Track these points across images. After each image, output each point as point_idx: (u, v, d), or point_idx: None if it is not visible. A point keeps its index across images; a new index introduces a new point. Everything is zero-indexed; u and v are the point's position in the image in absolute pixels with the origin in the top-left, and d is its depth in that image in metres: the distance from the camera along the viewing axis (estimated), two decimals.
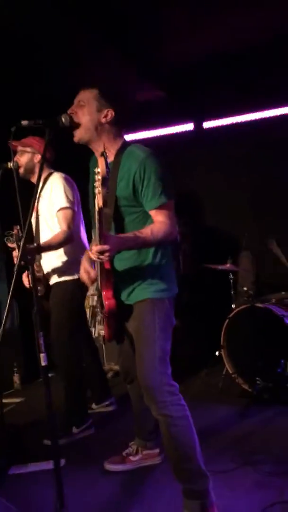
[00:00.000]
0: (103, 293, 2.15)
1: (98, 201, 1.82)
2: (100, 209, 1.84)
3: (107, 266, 2.14)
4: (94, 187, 1.82)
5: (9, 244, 2.94)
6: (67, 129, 2.11)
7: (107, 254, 1.89)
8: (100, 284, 2.18)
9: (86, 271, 2.27)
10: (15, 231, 2.87)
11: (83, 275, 2.29)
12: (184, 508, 2.07)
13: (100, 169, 1.78)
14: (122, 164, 2.12)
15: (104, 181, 1.80)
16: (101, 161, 1.78)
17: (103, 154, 1.80)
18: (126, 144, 2.19)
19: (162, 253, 2.19)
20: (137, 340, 2.18)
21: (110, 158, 2.17)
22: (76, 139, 2.17)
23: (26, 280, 2.93)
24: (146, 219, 2.14)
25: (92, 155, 2.29)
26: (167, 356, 2.13)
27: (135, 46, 3.91)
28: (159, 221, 2.08)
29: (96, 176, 1.79)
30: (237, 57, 4.22)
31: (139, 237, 2.02)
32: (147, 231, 2.05)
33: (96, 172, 1.79)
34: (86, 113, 2.13)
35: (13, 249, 2.97)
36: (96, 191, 1.81)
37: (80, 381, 3.25)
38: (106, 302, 2.13)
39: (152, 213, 2.10)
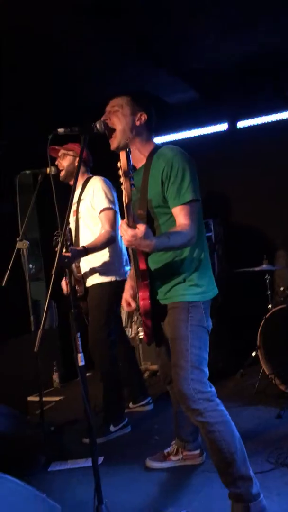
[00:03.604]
0: (139, 294, 2.17)
1: (124, 197, 1.84)
2: (127, 206, 1.86)
3: (143, 266, 2.15)
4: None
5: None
6: (102, 135, 2.16)
7: (134, 239, 1.84)
8: (136, 285, 2.20)
9: (126, 302, 2.33)
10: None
11: (124, 305, 2.34)
12: (232, 509, 2.06)
13: (121, 163, 1.80)
14: (152, 165, 2.15)
15: (126, 176, 1.80)
16: (122, 156, 1.80)
17: (124, 149, 1.83)
18: (157, 147, 2.23)
19: (199, 249, 2.16)
20: (171, 348, 2.16)
21: (142, 162, 2.21)
22: (113, 146, 2.20)
23: (65, 287, 3.00)
24: None
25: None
26: (202, 363, 2.10)
27: (167, 47, 3.93)
28: (180, 223, 2.04)
29: (119, 172, 1.81)
30: (271, 56, 4.18)
31: (166, 240, 1.97)
32: (173, 234, 2.00)
33: (118, 167, 1.81)
34: (121, 117, 2.18)
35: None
36: (122, 187, 1.83)
37: (117, 380, 3.30)
38: (141, 303, 2.14)
39: (175, 211, 2.06)
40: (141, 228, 1.84)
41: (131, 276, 2.40)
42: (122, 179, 1.82)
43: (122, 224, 1.89)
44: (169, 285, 2.16)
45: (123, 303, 2.38)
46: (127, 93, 2.23)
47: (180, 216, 2.05)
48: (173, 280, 2.15)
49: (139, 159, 2.24)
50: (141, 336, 2.32)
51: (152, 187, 2.13)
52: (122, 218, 1.92)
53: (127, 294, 2.37)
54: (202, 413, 2.03)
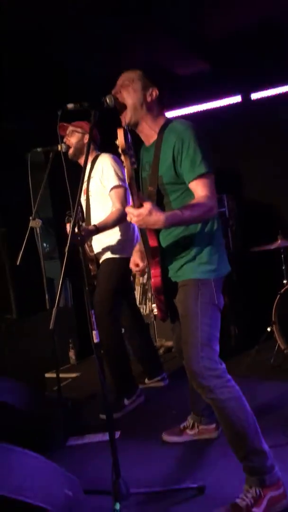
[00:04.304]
0: (151, 271, 2.15)
1: (127, 175, 1.82)
2: (130, 184, 1.83)
3: (153, 243, 2.13)
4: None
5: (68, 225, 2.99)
6: (112, 110, 2.12)
7: (140, 218, 1.84)
8: (148, 263, 2.20)
9: (134, 263, 2.36)
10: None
11: (132, 267, 2.38)
12: (246, 483, 2.08)
13: (119, 141, 1.76)
14: (164, 141, 2.11)
15: (125, 153, 1.77)
16: (120, 133, 1.77)
17: (122, 127, 1.80)
18: (168, 121, 2.18)
19: (212, 226, 2.14)
20: (182, 325, 2.17)
21: (154, 137, 2.17)
22: (125, 121, 2.14)
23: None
24: (190, 196, 2.08)
25: (142, 145, 2.28)
26: (212, 341, 2.10)
27: (177, 19, 3.83)
28: (198, 195, 2.01)
29: (118, 150, 1.78)
30: (283, 25, 4.06)
31: (179, 214, 1.95)
32: (187, 207, 1.99)
33: (117, 145, 1.78)
34: (132, 92, 2.12)
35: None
36: (123, 165, 1.80)
37: (120, 353, 3.29)
38: (153, 280, 2.14)
39: (192, 185, 2.03)
40: (146, 205, 1.83)
41: (140, 243, 2.42)
42: (122, 158, 1.79)
43: (127, 208, 1.89)
44: (180, 262, 2.15)
45: (131, 265, 2.39)
46: (139, 66, 2.16)
47: (198, 188, 2.02)
48: (183, 258, 2.14)
49: (150, 135, 2.19)
50: (155, 313, 2.32)
51: (163, 163, 2.09)
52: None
53: (135, 256, 2.38)
54: (212, 390, 2.04)
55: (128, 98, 2.12)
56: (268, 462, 2.06)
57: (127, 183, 1.86)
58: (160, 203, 2.10)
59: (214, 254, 2.15)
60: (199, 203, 1.99)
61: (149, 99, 2.14)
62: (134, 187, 1.86)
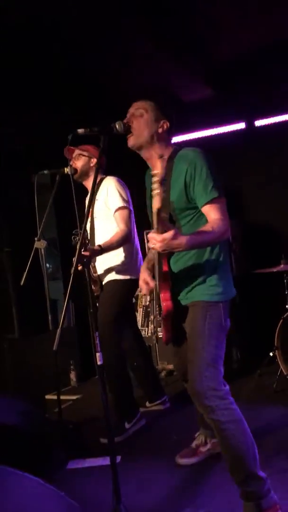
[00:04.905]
0: (161, 295, 2.18)
1: (155, 203, 1.85)
2: (158, 211, 1.87)
3: (165, 268, 2.18)
4: (151, 190, 1.85)
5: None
6: (121, 136, 2.17)
7: (164, 243, 1.88)
8: (158, 286, 2.22)
9: (145, 282, 2.34)
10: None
11: (142, 285, 2.35)
12: (243, 509, 2.07)
13: (158, 170, 1.81)
14: (174, 168, 2.17)
15: (162, 183, 1.82)
16: (160, 163, 1.83)
17: (161, 156, 1.87)
18: (177, 149, 2.24)
19: (219, 251, 2.20)
20: (188, 344, 2.20)
21: (163, 164, 2.20)
22: (130, 143, 2.20)
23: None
24: (201, 220, 2.15)
25: (148, 170, 2.34)
26: (217, 362, 2.12)
27: (184, 45, 3.91)
28: (212, 219, 2.07)
29: (153, 178, 1.82)
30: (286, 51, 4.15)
31: (198, 237, 2.02)
32: (204, 230, 2.05)
33: (153, 174, 1.82)
34: (143, 123, 2.18)
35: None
36: (154, 193, 1.83)
37: (123, 376, 3.28)
38: (164, 304, 2.16)
39: (205, 209, 2.10)
40: (171, 231, 1.88)
41: (146, 263, 2.45)
42: (156, 186, 1.82)
43: (150, 234, 1.94)
44: (191, 285, 2.20)
45: (141, 285, 2.36)
46: (152, 97, 2.22)
47: (211, 212, 2.09)
48: (194, 281, 2.19)
49: (158, 163, 2.24)
50: (160, 336, 2.32)
51: (175, 189, 2.15)
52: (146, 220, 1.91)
53: (145, 274, 2.36)
54: (214, 410, 2.05)
55: (139, 128, 2.18)
56: (265, 487, 2.06)
57: (155, 209, 1.88)
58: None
59: (222, 277, 2.21)
60: (214, 226, 2.05)
61: (160, 130, 2.20)
62: (161, 215, 1.90)
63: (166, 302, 2.16)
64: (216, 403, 2.06)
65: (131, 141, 2.20)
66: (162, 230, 1.90)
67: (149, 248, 2.47)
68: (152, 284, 2.31)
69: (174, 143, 2.30)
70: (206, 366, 2.09)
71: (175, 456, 2.75)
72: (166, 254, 2.14)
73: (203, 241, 2.05)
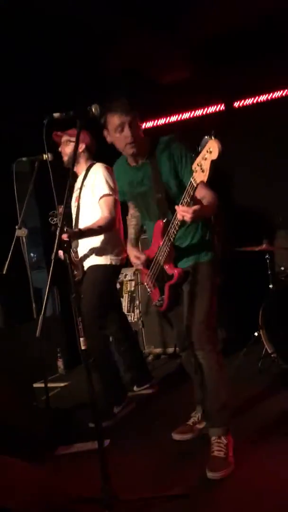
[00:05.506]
0: (166, 266, 2.48)
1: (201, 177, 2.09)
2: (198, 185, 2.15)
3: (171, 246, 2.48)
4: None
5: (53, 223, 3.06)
6: (98, 118, 2.15)
7: (195, 214, 2.16)
8: (164, 260, 2.46)
9: (136, 257, 2.65)
10: (59, 210, 2.94)
11: (135, 260, 2.67)
12: (211, 435, 2.46)
13: (215, 152, 2.15)
14: (158, 154, 2.45)
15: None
16: (216, 144, 2.17)
17: (215, 138, 2.19)
18: (154, 139, 2.51)
19: (206, 223, 2.61)
20: (191, 302, 2.49)
21: (142, 158, 2.51)
22: (136, 152, 2.47)
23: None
24: None
25: (122, 168, 2.67)
26: (215, 314, 2.53)
27: (162, 24, 3.86)
28: (207, 192, 2.36)
29: (207, 154, 2.12)
30: (266, 32, 4.13)
31: (206, 205, 2.30)
32: (207, 202, 2.33)
33: (208, 151, 2.13)
34: (138, 131, 2.47)
35: (56, 228, 3.02)
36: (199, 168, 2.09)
37: (109, 361, 3.30)
38: (175, 271, 2.47)
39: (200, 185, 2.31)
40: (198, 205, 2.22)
41: (129, 243, 2.84)
42: (207, 166, 2.10)
43: (180, 207, 2.19)
44: (191, 251, 2.53)
45: (134, 260, 2.69)
46: (132, 111, 2.42)
47: (205, 189, 2.38)
48: (194, 247, 2.53)
49: (142, 154, 2.50)
50: (143, 320, 2.36)
51: (165, 171, 2.44)
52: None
53: (134, 251, 2.72)
54: (209, 351, 2.44)
55: (139, 137, 2.47)
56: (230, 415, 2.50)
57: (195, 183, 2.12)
58: (170, 207, 2.41)
59: (212, 247, 2.60)
60: (213, 196, 2.39)
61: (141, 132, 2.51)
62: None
63: (176, 269, 2.47)
64: (211, 346, 2.46)
65: (136, 149, 2.47)
66: (189, 203, 2.18)
67: (129, 225, 2.92)
68: (143, 257, 2.61)
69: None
70: (212, 315, 2.49)
71: (167, 434, 2.82)
72: (174, 234, 2.38)
73: (209, 208, 2.37)
